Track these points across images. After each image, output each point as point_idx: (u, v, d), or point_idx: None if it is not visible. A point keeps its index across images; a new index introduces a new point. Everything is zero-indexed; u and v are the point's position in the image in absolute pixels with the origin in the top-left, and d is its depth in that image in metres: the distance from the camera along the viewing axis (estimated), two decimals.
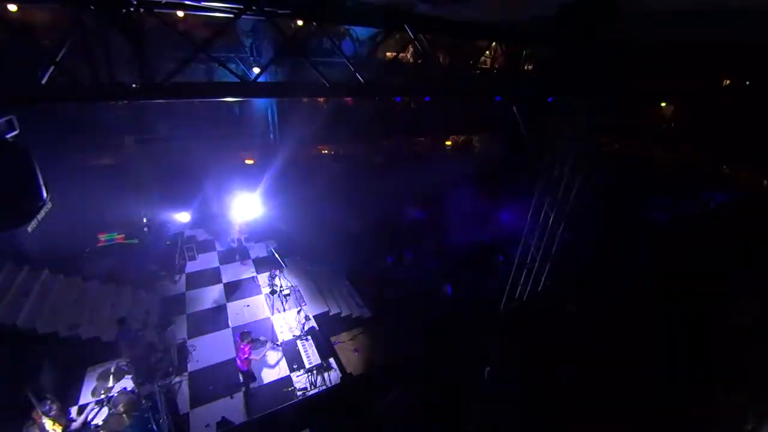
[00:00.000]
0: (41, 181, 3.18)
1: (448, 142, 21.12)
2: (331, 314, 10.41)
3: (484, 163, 17.34)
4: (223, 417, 7.26)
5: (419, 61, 16.81)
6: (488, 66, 16.46)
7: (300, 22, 10.44)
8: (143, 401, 6.93)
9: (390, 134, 17.82)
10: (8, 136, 3.15)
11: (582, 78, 6.59)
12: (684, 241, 13.09)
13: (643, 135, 20.54)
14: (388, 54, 15.71)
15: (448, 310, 10.35)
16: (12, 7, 6.87)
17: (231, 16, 3.66)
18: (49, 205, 3.52)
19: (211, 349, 9.00)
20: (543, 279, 8.95)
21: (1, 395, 6.43)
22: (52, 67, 3.14)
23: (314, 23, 4.27)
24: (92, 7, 3.19)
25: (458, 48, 15.14)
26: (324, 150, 18.58)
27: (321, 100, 16.60)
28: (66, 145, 10.29)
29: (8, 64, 5.82)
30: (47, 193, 3.26)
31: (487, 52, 15.58)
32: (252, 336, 7.65)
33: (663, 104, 20.87)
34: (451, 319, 9.91)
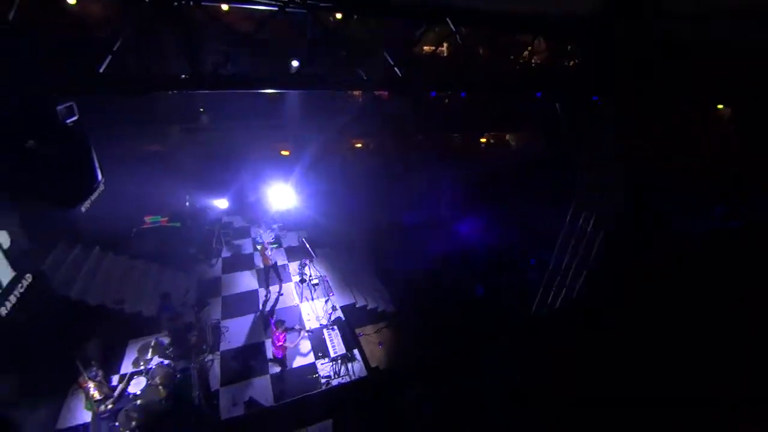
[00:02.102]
0: (97, 165, 3.42)
1: (483, 140, 20.60)
2: (357, 306, 10.53)
3: (519, 161, 16.76)
4: (250, 397, 7.56)
5: (456, 56, 16.49)
6: (529, 61, 15.85)
7: (339, 15, 10.61)
8: (178, 375, 7.35)
9: (423, 130, 17.63)
10: (68, 121, 3.40)
11: (630, 77, 6.19)
12: (735, 255, 12.06)
13: (696, 139, 19.03)
14: (425, 48, 15.51)
15: (478, 311, 10.16)
16: (71, 0, 7.34)
17: (275, 9, 3.74)
18: (102, 187, 3.77)
19: (242, 332, 9.37)
20: (577, 287, 8.58)
21: (52, 361, 6.95)
22: (109, 58, 3.35)
23: (354, 16, 4.28)
24: (146, 1, 3.36)
25: (498, 42, 14.67)
26: (358, 144, 18.69)
27: (356, 94, 16.69)
28: (119, 132, 10.98)
29: (69, 55, 6.28)
30: (102, 175, 3.51)
31: (528, 47, 14.96)
32: (286, 325, 7.88)
33: (720, 107, 19.20)
34: (480, 320, 9.73)
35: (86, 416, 6.92)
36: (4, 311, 5.94)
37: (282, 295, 10.57)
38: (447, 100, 17.50)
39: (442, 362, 7.30)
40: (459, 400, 6.83)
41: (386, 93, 16.54)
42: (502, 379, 7.03)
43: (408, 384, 6.34)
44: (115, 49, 3.31)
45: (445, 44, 14.82)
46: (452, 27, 4.29)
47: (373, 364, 8.98)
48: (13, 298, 6.23)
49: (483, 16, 4.52)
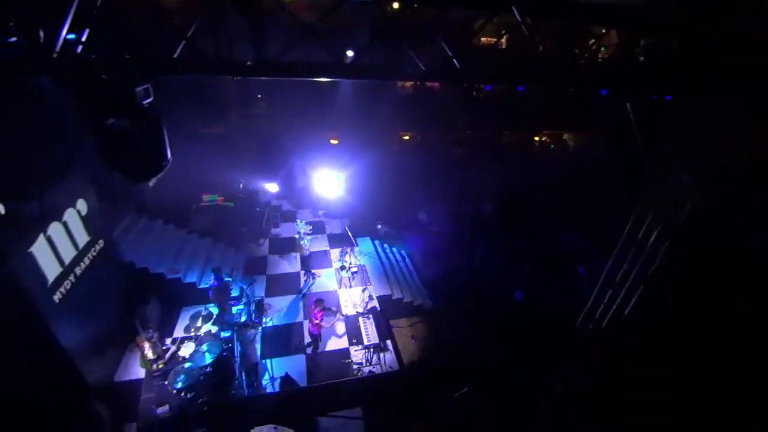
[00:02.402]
0: (167, 144, 3.70)
1: (538, 138, 19.58)
2: (393, 298, 10.58)
3: (578, 163, 15.72)
4: (286, 373, 7.90)
5: (515, 49, 15.71)
6: (596, 55, 14.74)
7: (396, 5, 10.51)
8: (223, 345, 7.85)
9: (475, 124, 17.10)
10: (145, 102, 3.68)
11: (714, 74, 5.53)
12: None
13: None
14: (483, 40, 14.94)
15: (516, 317, 9.79)
16: None
17: None
18: (169, 165, 4.06)
19: (282, 310, 9.81)
20: (632, 303, 7.95)
21: (115, 320, 7.66)
22: (183, 42, 3.58)
23: (414, 5, 4.19)
24: None
25: (563, 34, 13.77)
26: (405, 136, 18.57)
27: (407, 85, 16.52)
28: (184, 115, 11.76)
29: (147, 40, 6.78)
30: (171, 154, 3.79)
31: (593, 39, 13.88)
32: (325, 305, 8.12)
33: None
34: (517, 327, 9.38)
35: (140, 372, 7.58)
36: (78, 271, 6.67)
37: (313, 282, 10.81)
38: (501, 94, 16.80)
39: (478, 368, 7.13)
40: (491, 406, 6.66)
41: (438, 84, 16.23)
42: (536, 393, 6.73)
43: (443, 385, 6.26)
44: (189, 35, 3.53)
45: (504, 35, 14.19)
46: (518, 17, 4.07)
47: (405, 358, 9.01)
48: (87, 260, 6.97)
49: (554, 5, 4.22)
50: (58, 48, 3.36)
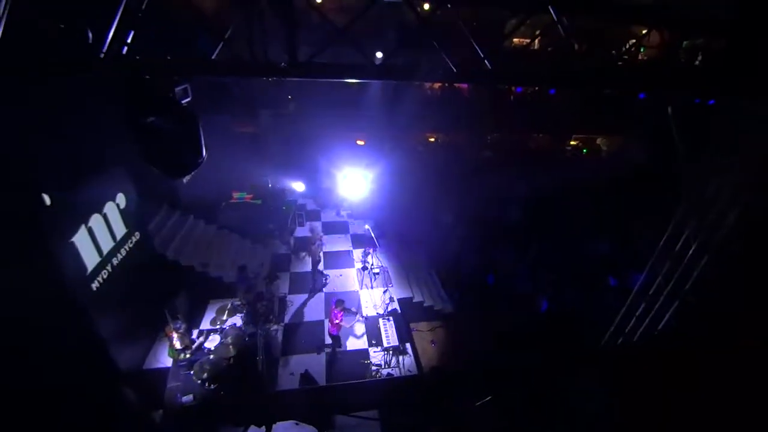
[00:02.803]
0: (203, 141, 3.83)
1: (573, 142, 18.97)
2: (414, 301, 10.51)
3: (612, 169, 15.09)
4: (306, 370, 7.99)
5: (549, 49, 15.32)
6: (635, 56, 14.13)
7: (426, 6, 10.43)
8: (247, 338, 8.03)
9: (504, 127, 16.77)
10: (183, 101, 3.83)
11: (763, 77, 5.14)
12: None
13: None
14: (515, 41, 14.65)
15: (539, 327, 9.49)
16: None
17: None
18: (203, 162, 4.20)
19: (304, 307, 9.94)
20: (667, 317, 7.54)
21: (146, 310, 7.94)
22: (221, 45, 3.69)
23: (447, 5, 4.14)
24: None
25: (600, 34, 13.28)
26: (432, 138, 18.44)
27: (435, 86, 16.41)
28: (218, 114, 12.17)
29: (186, 43, 7.05)
30: (205, 152, 3.92)
31: (632, 40, 13.33)
32: (345, 305, 8.19)
33: None
34: (540, 337, 9.09)
35: (167, 361, 7.85)
36: (115, 261, 7.00)
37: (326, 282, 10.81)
38: (532, 96, 16.41)
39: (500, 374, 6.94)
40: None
41: (465, 86, 16.04)
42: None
43: (462, 391, 6.15)
44: (226, 37, 3.64)
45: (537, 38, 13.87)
46: (555, 17, 3.93)
47: (424, 362, 8.92)
48: (123, 251, 7.30)
49: (595, 4, 4.05)
50: (105, 49, 3.53)
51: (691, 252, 6.92)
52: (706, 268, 6.91)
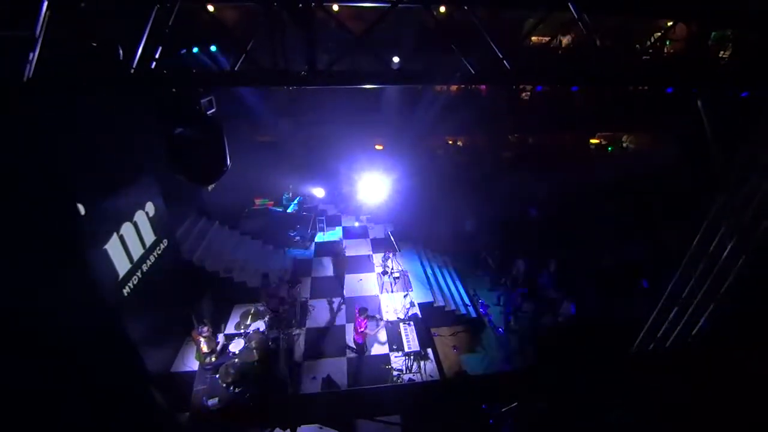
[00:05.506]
0: (227, 151, 3.96)
1: (593, 141, 18.41)
2: (435, 306, 10.40)
3: (640, 166, 14.52)
4: (328, 375, 8.04)
5: (571, 46, 14.96)
6: (661, 50, 13.59)
7: (442, 9, 10.38)
8: (270, 343, 8.15)
9: (524, 127, 16.46)
10: (209, 112, 3.96)
11: None
12: None
13: None
14: (534, 39, 14.38)
15: (567, 332, 9.21)
16: (210, 8, 8.58)
17: (388, 5, 3.80)
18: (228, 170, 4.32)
19: (326, 312, 10.01)
20: (701, 322, 7.16)
21: (174, 314, 8.19)
22: (243, 56, 3.81)
23: (464, 6, 4.11)
24: (275, 4, 3.73)
25: (623, 29, 12.87)
26: (450, 141, 18.31)
27: (453, 89, 16.29)
28: (241, 123, 12.49)
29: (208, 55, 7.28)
30: (230, 160, 4.04)
31: (657, 33, 12.82)
32: (368, 313, 8.19)
33: None
34: (567, 342, 8.82)
35: (194, 365, 8.05)
36: (145, 267, 7.25)
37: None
38: (553, 94, 16.01)
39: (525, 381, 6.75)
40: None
41: (484, 87, 15.84)
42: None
43: (484, 397, 6.01)
44: (248, 48, 3.75)
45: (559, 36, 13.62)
46: (575, 14, 3.85)
47: (445, 367, 8.81)
48: (152, 258, 7.57)
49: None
50: (134, 64, 3.70)
51: (726, 252, 6.57)
52: (742, 270, 6.54)
